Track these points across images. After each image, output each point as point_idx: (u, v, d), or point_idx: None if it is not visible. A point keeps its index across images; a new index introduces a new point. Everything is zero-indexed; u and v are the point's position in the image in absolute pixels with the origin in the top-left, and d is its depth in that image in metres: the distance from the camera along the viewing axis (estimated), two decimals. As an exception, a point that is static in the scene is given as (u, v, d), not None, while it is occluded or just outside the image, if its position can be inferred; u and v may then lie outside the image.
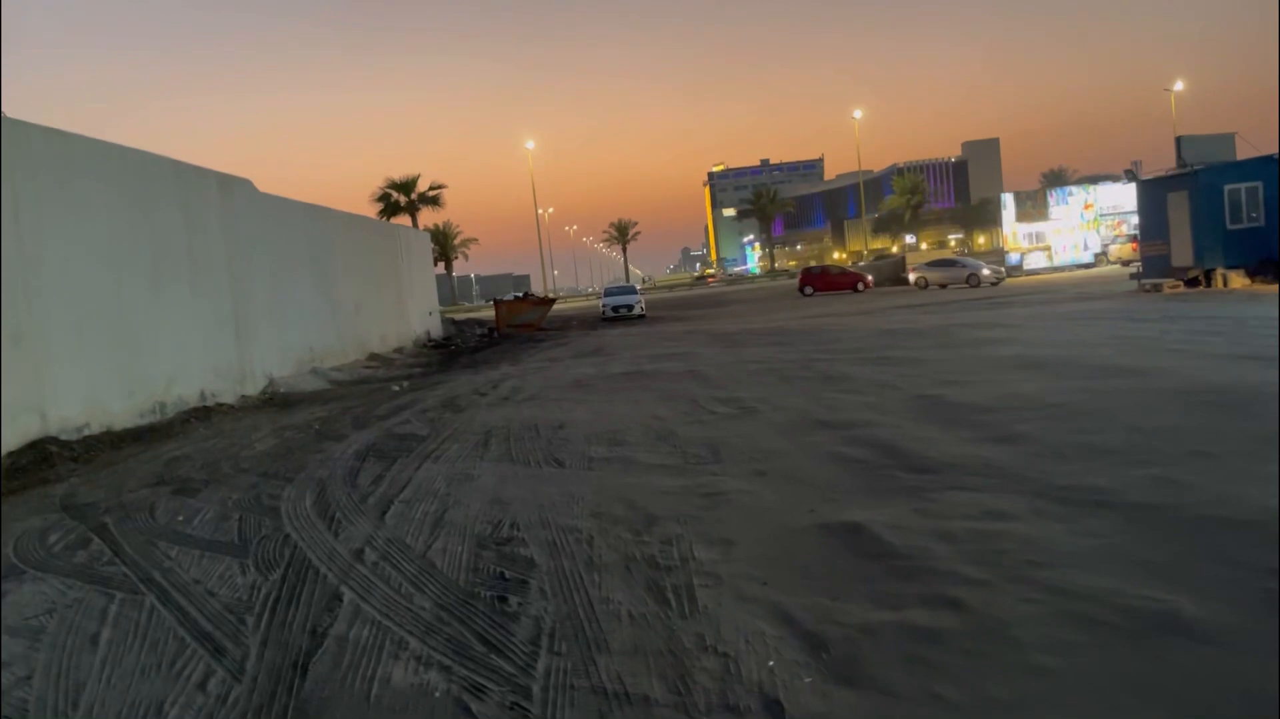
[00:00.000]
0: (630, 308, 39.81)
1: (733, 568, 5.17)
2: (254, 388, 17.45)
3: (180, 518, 7.42)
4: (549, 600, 4.88)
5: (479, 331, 36.25)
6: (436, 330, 34.12)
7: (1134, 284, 28.97)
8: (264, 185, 19.70)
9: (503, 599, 4.95)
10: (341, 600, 5.12)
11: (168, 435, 12.63)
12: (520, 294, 41.13)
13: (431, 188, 71.05)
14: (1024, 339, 15.74)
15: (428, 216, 74.99)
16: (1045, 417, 8.41)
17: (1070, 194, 60.37)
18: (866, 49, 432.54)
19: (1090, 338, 15.11)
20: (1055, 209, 59.92)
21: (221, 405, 15.61)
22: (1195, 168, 26.81)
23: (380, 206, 68.44)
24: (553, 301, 40.77)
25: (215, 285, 16.75)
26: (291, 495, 7.89)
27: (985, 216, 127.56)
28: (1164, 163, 32.11)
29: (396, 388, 17.06)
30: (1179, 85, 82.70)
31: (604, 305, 40.63)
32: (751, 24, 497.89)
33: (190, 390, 15.19)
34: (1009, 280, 47.75)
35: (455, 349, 28.94)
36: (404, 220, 66.21)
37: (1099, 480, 6.18)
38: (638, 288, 46.15)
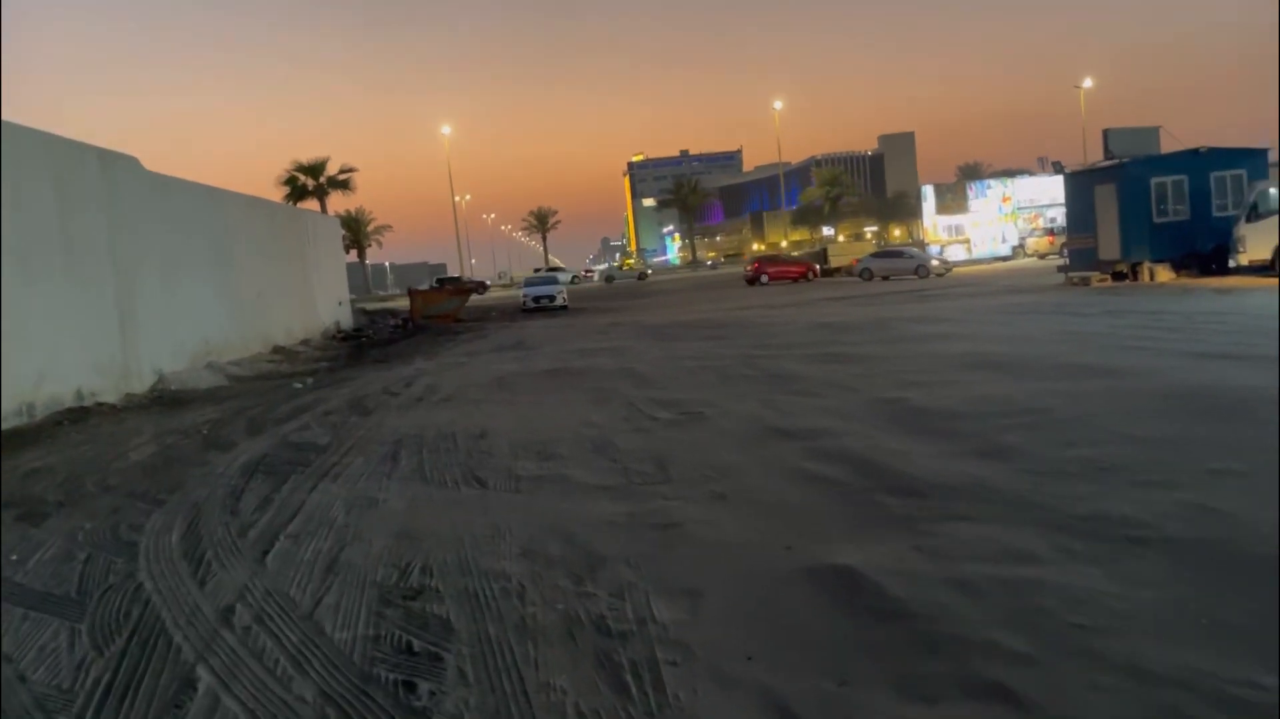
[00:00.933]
0: (552, 298, 38.54)
1: (704, 633, 4.08)
2: (141, 385, 15.80)
3: (14, 557, 6.05)
4: (470, 687, 3.72)
5: (392, 322, 34.59)
6: (347, 321, 32.40)
7: (1061, 277, 28.79)
8: (167, 169, 18.00)
9: (410, 686, 3.78)
10: (196, 689, 3.89)
11: (33, 441, 11.06)
12: (437, 282, 39.47)
13: (341, 171, 68.35)
14: (970, 334, 15.02)
15: (338, 202, 72.35)
16: (1027, 425, 7.52)
17: (989, 187, 60.90)
18: (784, 43, 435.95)
19: (1038, 333, 14.45)
20: (974, 202, 60.36)
21: (102, 405, 14.00)
22: (1123, 160, 26.64)
23: (287, 191, 65.49)
24: (469, 291, 39.23)
25: (96, 272, 15.05)
26: (157, 526, 6.56)
27: (901, 209, 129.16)
28: (1074, 158, 32.13)
29: (299, 385, 15.60)
30: (1088, 83, 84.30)
31: (525, 296, 39.27)
32: (670, 14, 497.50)
33: (65, 389, 13.55)
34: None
35: (366, 341, 27.36)
36: (312, 205, 63.39)
37: (1122, 508, 5.26)
38: (559, 280, 44.82)
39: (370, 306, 47.77)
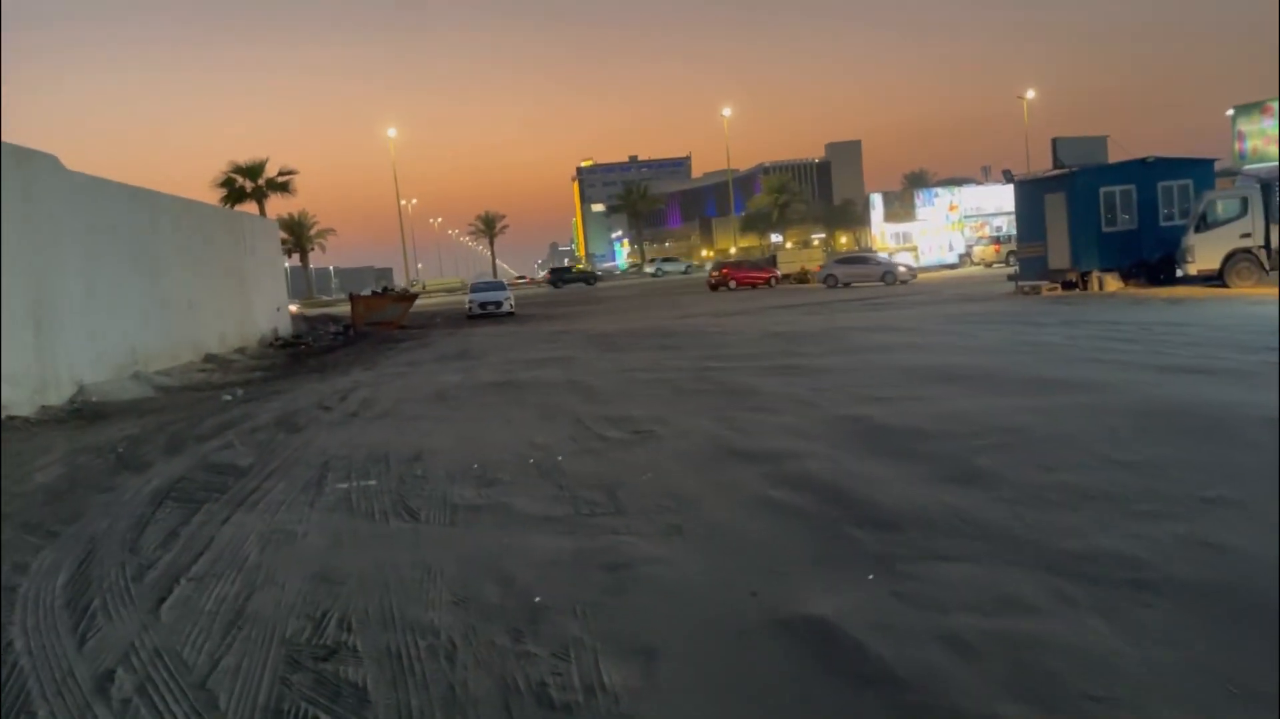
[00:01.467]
0: (499, 304, 37.72)
1: (661, 704, 3.51)
2: (59, 397, 14.83)
3: None
4: (385, 782, 3.11)
5: (333, 329, 33.58)
6: (286, 328, 31.32)
7: (1011, 286, 28.73)
8: (98, 170, 17.03)
9: (312, 782, 3.16)
10: (50, 786, 3.23)
11: (-70, 461, 10.16)
12: (380, 289, 38.41)
13: (281, 173, 66.14)
14: (926, 345, 14.66)
15: (279, 205, 70.56)
16: (1000, 446, 7.07)
17: (936, 195, 61.25)
18: (733, 51, 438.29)
19: (997, 344, 14.12)
20: (922, 210, 60.73)
21: (14, 419, 13.07)
22: (1073, 169, 26.65)
23: (224, 193, 63.35)
24: (414, 297, 38.30)
25: (7, 276, 14.09)
26: (45, 565, 5.82)
27: (848, 217, 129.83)
28: (1018, 167, 32.15)
29: (229, 397, 14.76)
30: (1031, 93, 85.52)
31: (470, 302, 38.38)
32: (618, 21, 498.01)
33: (-29, 402, 12.63)
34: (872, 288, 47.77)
35: (305, 349, 26.42)
36: (250, 208, 61.47)
37: (1116, 543, 4.79)
38: (507, 284, 43.92)
39: (312, 312, 46.55)
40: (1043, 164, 29.16)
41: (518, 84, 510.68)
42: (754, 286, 46.99)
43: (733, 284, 47.61)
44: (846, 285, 40.84)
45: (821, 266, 46.32)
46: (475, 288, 41.35)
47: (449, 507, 6.52)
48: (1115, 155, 29.14)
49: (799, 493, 6.22)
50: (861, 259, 45.61)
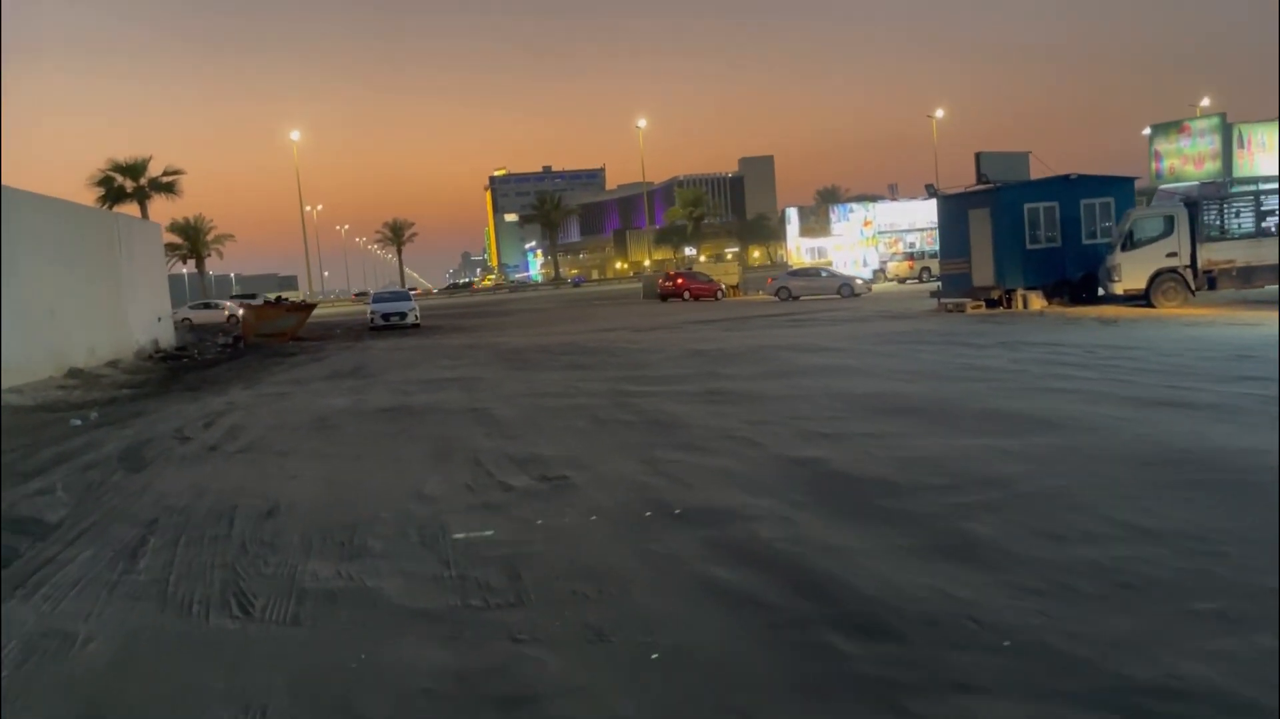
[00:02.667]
0: (403, 315, 35.75)
1: None
2: (-128, 419, 12.69)
3: None
4: None
5: (222, 340, 31.28)
6: (169, 339, 28.93)
7: (933, 302, 28.03)
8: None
9: None
10: None
11: None
12: (273, 297, 36.04)
13: (166, 172, 61.82)
14: (864, 368, 13.50)
15: (166, 209, 66.81)
16: (990, 505, 5.80)
17: (851, 211, 61.19)
18: (647, 65, 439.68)
19: (939, 368, 13.03)
20: (837, 225, 60.60)
21: None
22: (997, 185, 26.07)
23: (100, 193, 59.07)
24: (311, 308, 36.04)
25: None
26: None
27: (762, 231, 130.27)
28: (924, 185, 31.55)
29: (78, 421, 12.80)
30: (940, 112, 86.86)
31: (372, 313, 36.30)
32: (533, 31, 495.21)
33: None
34: (750, 297, 46.97)
35: (188, 362, 24.23)
36: (132, 210, 57.63)
37: (1196, 667, 3.51)
38: (412, 294, 41.78)
39: (202, 321, 43.80)
40: (951, 182, 28.68)
41: (431, 91, 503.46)
42: (699, 299, 45.70)
43: (686, 295, 46.15)
44: (796, 298, 39.70)
45: (773, 279, 44.60)
46: (377, 298, 39.24)
47: (296, 593, 4.93)
48: (1036, 171, 28.79)
49: (754, 572, 4.83)
50: (814, 272, 44.11)
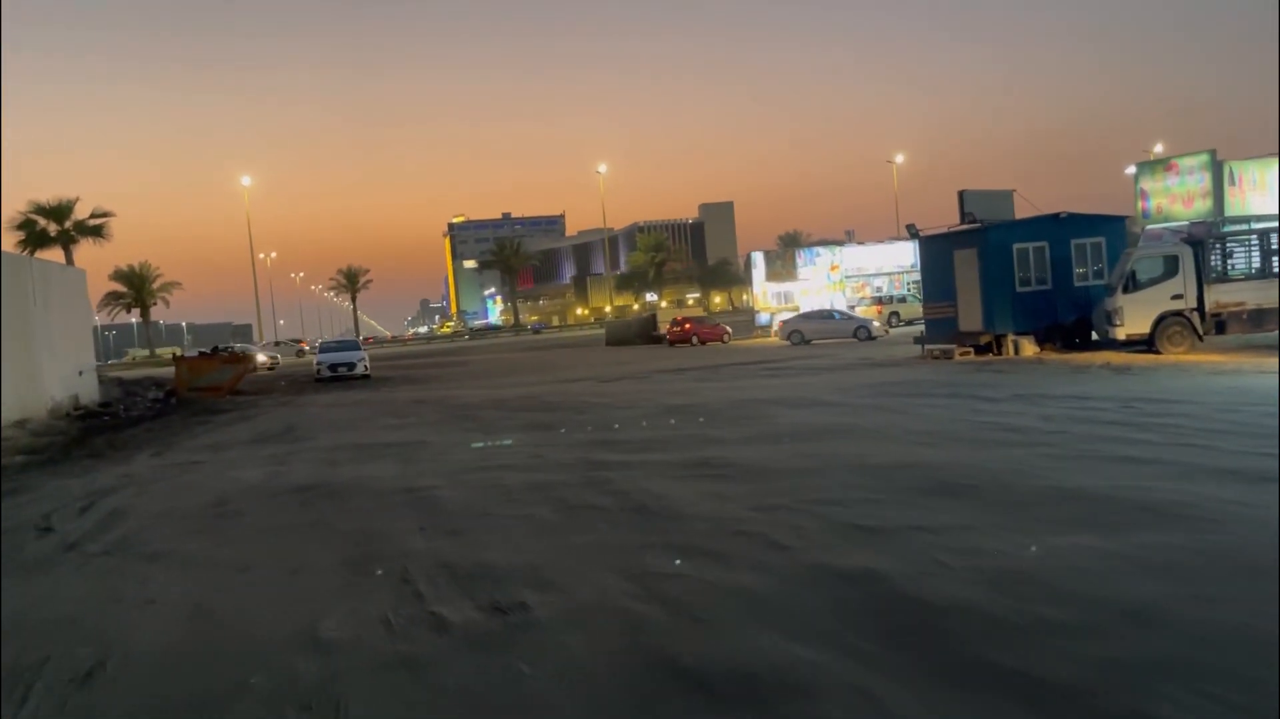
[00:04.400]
0: (351, 366, 33.52)
1: None
2: None
3: None
4: None
5: (153, 395, 28.79)
6: (92, 394, 26.42)
7: (916, 349, 26.37)
8: None
9: None
10: None
11: None
12: (210, 349, 33.63)
13: (94, 215, 59.01)
14: (873, 428, 11.61)
15: (105, 256, 63.88)
16: (1157, 659, 3.87)
17: (817, 255, 59.97)
18: (607, 112, 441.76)
19: (958, 428, 11.17)
20: (803, 269, 59.22)
21: None
22: (984, 224, 24.56)
23: (22, 236, 55.94)
24: (250, 359, 33.69)
25: None
26: None
27: (723, 276, 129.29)
28: (885, 230, 30.31)
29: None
30: (900, 157, 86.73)
31: (319, 364, 34.03)
32: (491, 77, 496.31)
33: None
34: (750, 342, 45.44)
35: (108, 421, 21.84)
36: (56, 255, 54.59)
37: None
38: (361, 343, 39.43)
39: (132, 375, 41.12)
40: (916, 224, 27.05)
41: (389, 138, 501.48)
42: (706, 343, 45.06)
43: (695, 340, 45.56)
44: (804, 342, 37.69)
45: (785, 323, 42.44)
46: (324, 347, 37.01)
47: None
48: (1021, 210, 27.41)
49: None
50: (828, 315, 41.67)
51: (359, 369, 33.50)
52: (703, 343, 45.19)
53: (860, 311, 54.25)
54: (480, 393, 22.49)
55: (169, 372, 33.82)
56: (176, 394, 28.17)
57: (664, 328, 53.46)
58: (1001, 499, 7.01)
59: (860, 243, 63.57)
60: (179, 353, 37.90)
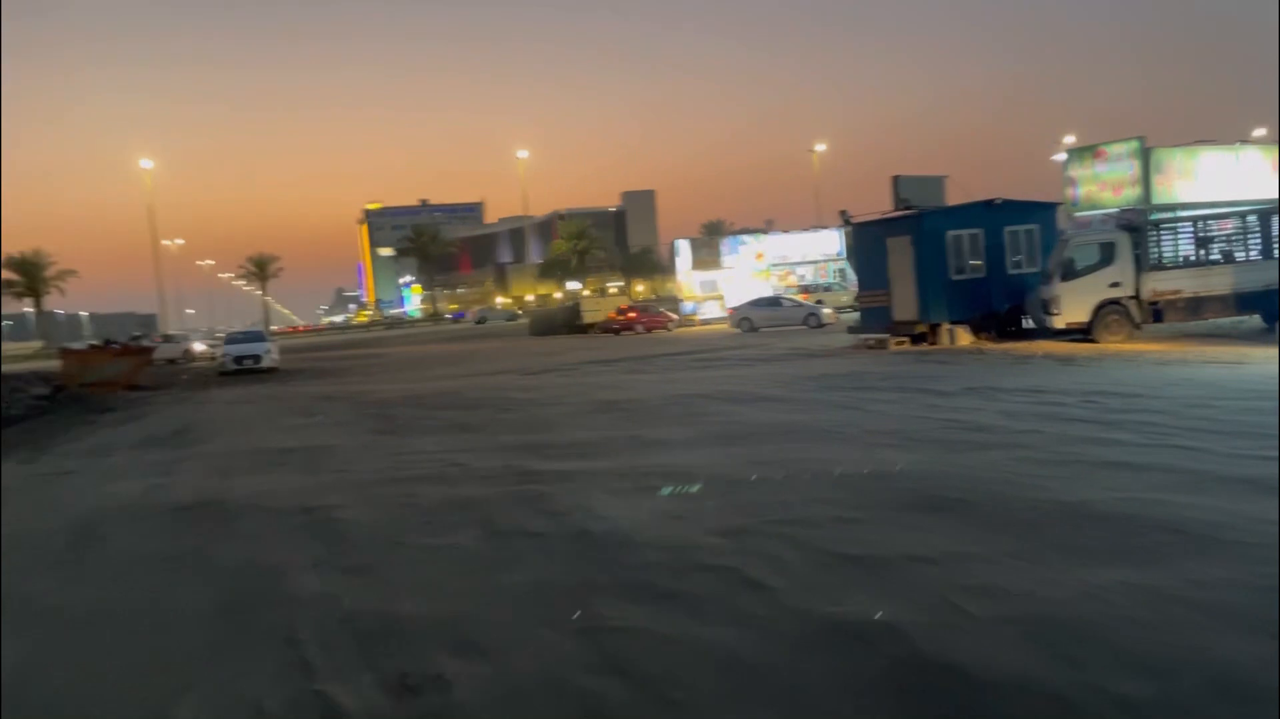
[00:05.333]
0: (258, 358, 31.68)
1: None
2: None
3: None
4: None
5: (37, 391, 26.61)
6: (-34, 392, 24.23)
7: (850, 338, 25.72)
8: None
9: None
10: None
11: None
12: (102, 342, 31.39)
13: None
14: (828, 427, 10.66)
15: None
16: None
17: (742, 243, 59.26)
18: (526, 98, 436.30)
19: (920, 427, 10.28)
20: (728, 258, 58.53)
21: None
22: (918, 210, 23.93)
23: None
24: (150, 351, 31.58)
25: None
26: None
27: (646, 265, 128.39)
28: (805, 218, 29.70)
29: None
30: (820, 146, 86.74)
31: (224, 356, 32.16)
32: (408, 61, 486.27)
33: None
34: (690, 330, 44.61)
35: (-19, 421, 19.84)
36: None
37: None
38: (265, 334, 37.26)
39: (18, 369, 38.44)
40: (836, 216, 26.45)
41: (300, 122, 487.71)
42: (651, 331, 44.23)
43: (639, 329, 44.64)
44: (753, 330, 36.59)
45: (734, 310, 41.40)
46: (230, 339, 34.97)
47: None
48: (954, 197, 26.94)
49: None
50: (777, 302, 40.56)
51: (266, 361, 31.72)
52: (648, 330, 44.45)
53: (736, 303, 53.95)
54: (396, 387, 21.08)
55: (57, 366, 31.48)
56: (64, 390, 26.09)
57: (588, 317, 52.26)
58: (999, 517, 6.09)
59: (785, 231, 63.11)
60: (101, 344, 35.23)
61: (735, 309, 41.42)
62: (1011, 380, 14.23)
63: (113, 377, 27.07)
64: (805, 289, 54.35)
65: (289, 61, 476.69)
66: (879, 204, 24.71)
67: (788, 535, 5.91)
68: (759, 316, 37.94)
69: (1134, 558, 5.02)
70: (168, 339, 51.12)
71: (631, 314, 47.38)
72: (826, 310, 38.79)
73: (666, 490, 7.49)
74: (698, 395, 14.72)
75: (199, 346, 47.93)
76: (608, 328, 46.50)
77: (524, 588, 5.25)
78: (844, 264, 58.06)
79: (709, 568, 5.37)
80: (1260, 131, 27.85)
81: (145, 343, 36.00)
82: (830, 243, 58.12)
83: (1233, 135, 29.70)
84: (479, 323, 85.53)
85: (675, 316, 48.32)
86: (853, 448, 9.11)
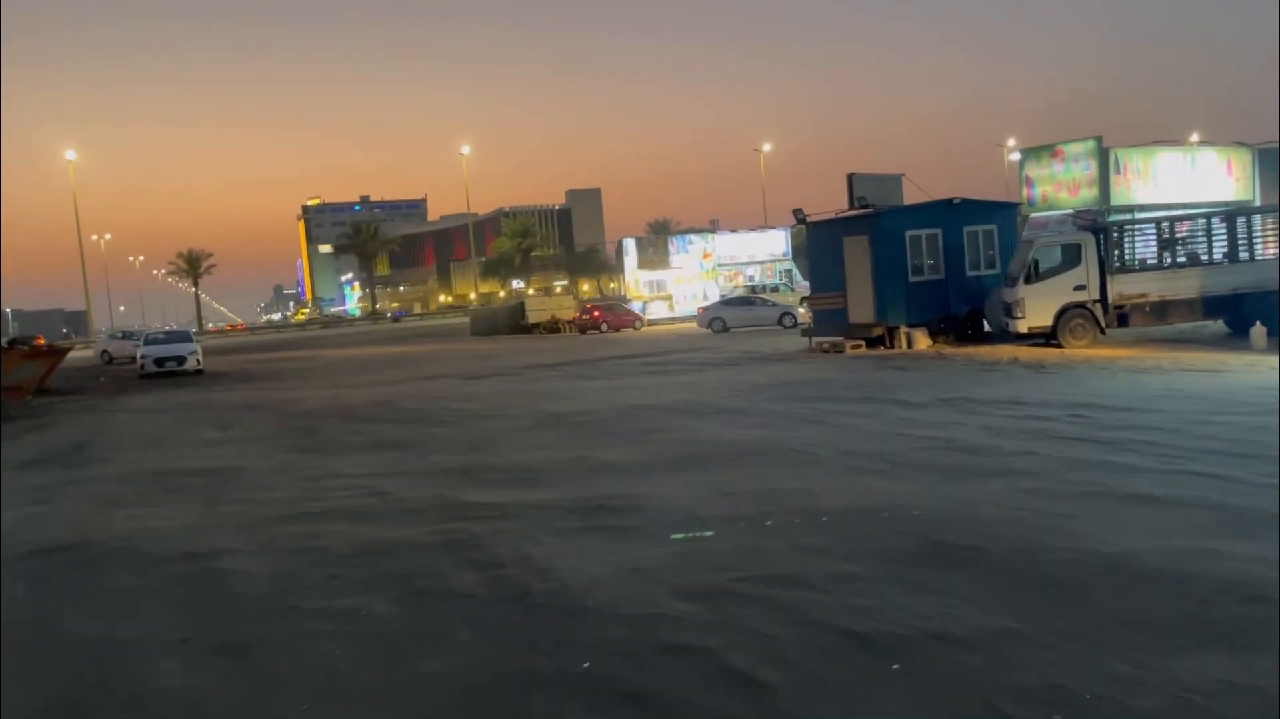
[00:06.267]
0: (181, 360, 29.81)
1: None
2: None
3: None
4: None
5: (-64, 398, 24.63)
6: None
7: (804, 341, 24.78)
8: None
9: None
10: None
11: None
12: (7, 343, 29.35)
13: None
14: (800, 447, 9.59)
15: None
16: None
17: (690, 242, 58.37)
18: (472, 97, 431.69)
19: (897, 446, 9.27)
20: (676, 258, 57.59)
21: None
22: (876, 209, 23.03)
23: None
24: (64, 352, 29.56)
25: None
26: None
27: (592, 264, 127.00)
28: (752, 218, 28.72)
29: None
30: (767, 146, 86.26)
31: (143, 358, 30.12)
32: (349, 56, 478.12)
33: None
34: (646, 330, 43.40)
35: None
36: None
37: None
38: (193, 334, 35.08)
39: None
40: (783, 217, 25.64)
41: (236, 115, 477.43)
42: (619, 330, 42.87)
43: (604, 328, 43.18)
44: (723, 330, 35.11)
45: (705, 309, 39.59)
46: (150, 339, 32.91)
47: None
48: (910, 197, 26.15)
49: None
50: (750, 301, 39.07)
51: (190, 363, 29.85)
52: (616, 329, 42.93)
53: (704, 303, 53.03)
54: (326, 394, 19.65)
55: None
56: (-35, 395, 24.15)
57: (533, 316, 50.87)
58: (1030, 575, 5.04)
59: (733, 230, 62.29)
60: (8, 345, 32.93)
61: (706, 308, 39.80)
62: (984, 390, 13.34)
63: (20, 381, 25.10)
64: (753, 289, 53.57)
65: (229, 55, 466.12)
66: (825, 204, 23.84)
67: (774, 600, 4.80)
68: (732, 316, 36.35)
69: (1219, 640, 4.00)
70: (126, 336, 47.12)
71: (596, 313, 45.58)
72: (801, 310, 37.80)
73: (621, 539, 6.34)
74: (651, 407, 13.59)
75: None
76: (582, 327, 44.86)
77: (447, 682, 4.07)
78: (790, 265, 57.64)
79: (680, 650, 4.24)
80: (1194, 138, 27.58)
81: (59, 344, 33.81)
82: (777, 243, 57.51)
83: (1164, 137, 29.36)
84: (395, 320, 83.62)
85: (644, 316, 46.46)
86: (830, 474, 8.05)
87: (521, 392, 17.41)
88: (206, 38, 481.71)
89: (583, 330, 44.30)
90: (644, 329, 43.35)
